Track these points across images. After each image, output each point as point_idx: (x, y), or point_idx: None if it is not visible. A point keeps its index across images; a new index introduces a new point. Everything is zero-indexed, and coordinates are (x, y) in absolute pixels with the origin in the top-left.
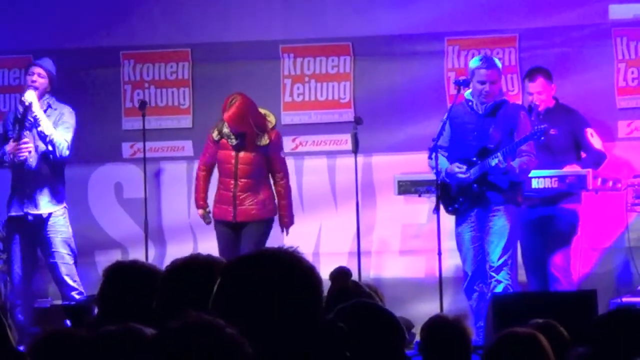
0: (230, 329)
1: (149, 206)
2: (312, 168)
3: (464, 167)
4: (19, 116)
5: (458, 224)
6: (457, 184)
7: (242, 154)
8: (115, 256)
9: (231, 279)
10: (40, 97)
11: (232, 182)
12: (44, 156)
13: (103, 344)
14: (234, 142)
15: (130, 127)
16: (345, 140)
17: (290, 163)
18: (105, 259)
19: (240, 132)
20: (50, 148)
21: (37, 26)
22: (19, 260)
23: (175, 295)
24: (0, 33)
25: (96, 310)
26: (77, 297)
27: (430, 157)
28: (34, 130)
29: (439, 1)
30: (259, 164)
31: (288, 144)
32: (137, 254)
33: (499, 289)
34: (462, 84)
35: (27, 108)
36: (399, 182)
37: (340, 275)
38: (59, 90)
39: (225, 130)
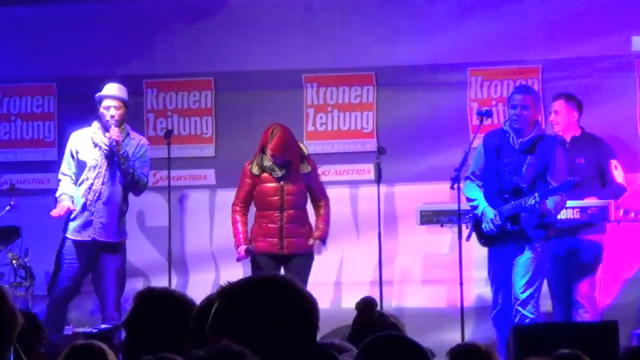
0: (255, 358)
1: (173, 234)
2: (334, 197)
3: (498, 220)
4: (99, 147)
5: (491, 257)
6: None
7: (287, 185)
8: (138, 284)
9: (228, 303)
10: (118, 126)
11: (278, 214)
12: (118, 188)
13: None
14: (279, 173)
15: (153, 155)
16: (368, 170)
17: None
18: (127, 287)
19: (286, 161)
20: (131, 185)
21: (61, 54)
22: (66, 281)
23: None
24: (24, 61)
25: (122, 337)
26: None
27: (452, 187)
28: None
29: (462, 32)
30: (302, 194)
31: None
32: (159, 282)
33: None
34: (484, 115)
35: (114, 146)
36: (421, 212)
37: (367, 305)
38: (84, 118)
39: (267, 163)
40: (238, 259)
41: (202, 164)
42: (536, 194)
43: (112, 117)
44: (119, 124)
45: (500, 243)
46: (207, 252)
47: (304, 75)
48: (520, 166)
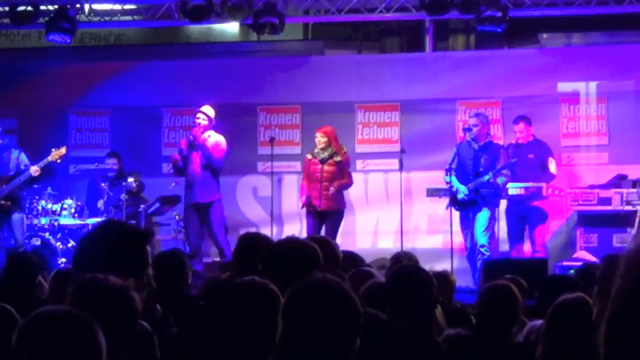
0: (346, 285)
1: (274, 201)
2: (374, 180)
3: (467, 192)
4: (190, 142)
5: (461, 217)
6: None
7: (325, 167)
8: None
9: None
10: (203, 131)
11: (319, 185)
12: (204, 166)
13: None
14: (321, 156)
15: (263, 152)
16: (394, 163)
17: (360, 176)
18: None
19: (329, 141)
20: (210, 162)
21: (211, 90)
22: (194, 233)
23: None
24: (177, 93)
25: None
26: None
27: (445, 175)
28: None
29: (453, 78)
30: (335, 173)
31: (360, 165)
32: (265, 231)
33: (485, 255)
34: (466, 130)
35: (195, 138)
36: (427, 189)
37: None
38: (219, 128)
39: (316, 150)
40: (302, 205)
41: (292, 158)
42: (490, 173)
43: (197, 119)
44: (204, 130)
45: (467, 208)
46: (295, 212)
47: (356, 104)
48: (479, 159)
